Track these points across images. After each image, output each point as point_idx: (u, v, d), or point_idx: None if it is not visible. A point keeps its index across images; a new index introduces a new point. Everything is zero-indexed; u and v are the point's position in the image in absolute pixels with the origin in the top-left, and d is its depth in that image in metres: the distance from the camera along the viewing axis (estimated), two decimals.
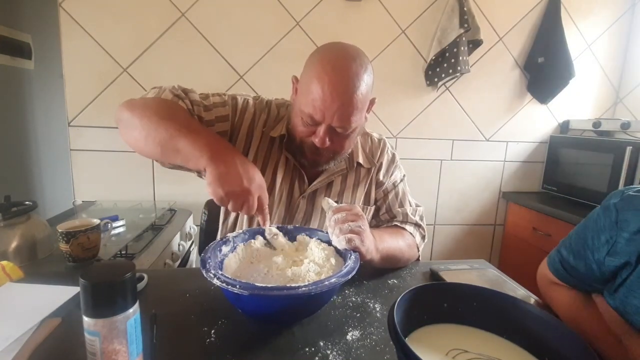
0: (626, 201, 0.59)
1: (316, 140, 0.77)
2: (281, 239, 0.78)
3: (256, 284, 0.55)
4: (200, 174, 0.88)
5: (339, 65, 0.73)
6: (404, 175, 1.03)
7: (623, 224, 0.58)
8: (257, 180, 0.69)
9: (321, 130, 0.76)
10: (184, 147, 0.69)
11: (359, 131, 0.83)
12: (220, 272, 0.59)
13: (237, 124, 0.89)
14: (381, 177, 0.98)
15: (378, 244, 0.78)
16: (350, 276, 0.61)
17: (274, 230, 0.78)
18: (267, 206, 0.73)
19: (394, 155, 1.02)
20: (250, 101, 0.92)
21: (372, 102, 0.84)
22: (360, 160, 0.95)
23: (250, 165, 0.71)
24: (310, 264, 0.68)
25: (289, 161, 0.91)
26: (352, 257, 0.67)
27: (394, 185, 0.99)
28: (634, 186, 0.61)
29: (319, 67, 0.74)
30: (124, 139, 0.79)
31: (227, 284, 0.55)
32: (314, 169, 0.89)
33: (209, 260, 0.63)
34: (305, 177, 0.92)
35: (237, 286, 0.54)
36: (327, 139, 0.76)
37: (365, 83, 0.75)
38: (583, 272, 0.64)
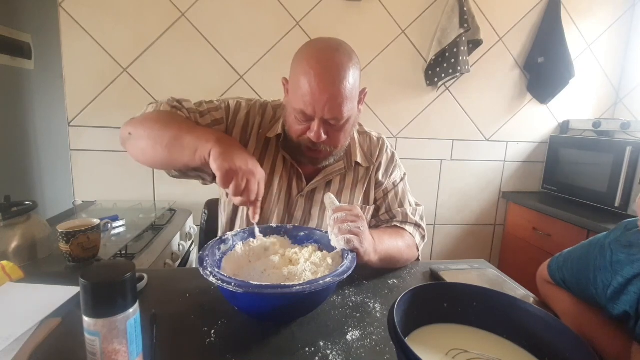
0: (621, 240, 0.56)
1: (312, 135, 0.78)
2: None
3: (251, 282, 0.55)
4: (204, 180, 0.89)
5: (323, 57, 0.75)
6: (404, 174, 1.03)
7: (616, 265, 0.55)
8: (259, 169, 0.72)
9: (315, 125, 0.77)
10: (189, 142, 0.72)
11: (353, 122, 0.84)
12: (216, 270, 0.59)
13: (230, 125, 0.91)
14: (380, 177, 0.98)
15: (377, 245, 0.78)
16: (345, 276, 0.61)
17: (259, 234, 0.79)
18: (260, 200, 0.74)
19: (393, 154, 1.01)
20: (243, 103, 0.93)
21: (363, 92, 0.85)
22: (359, 160, 0.95)
23: (253, 157, 0.74)
24: (307, 264, 0.68)
25: (286, 160, 0.92)
26: (349, 257, 0.67)
27: (394, 185, 0.99)
28: (634, 219, 0.57)
29: (304, 63, 0.76)
30: (132, 153, 0.83)
31: (223, 281, 0.55)
32: (314, 166, 0.89)
33: (207, 259, 0.64)
34: (303, 176, 0.92)
35: (233, 284, 0.54)
36: (323, 133, 0.78)
37: (352, 72, 0.76)
38: (593, 303, 0.62)
